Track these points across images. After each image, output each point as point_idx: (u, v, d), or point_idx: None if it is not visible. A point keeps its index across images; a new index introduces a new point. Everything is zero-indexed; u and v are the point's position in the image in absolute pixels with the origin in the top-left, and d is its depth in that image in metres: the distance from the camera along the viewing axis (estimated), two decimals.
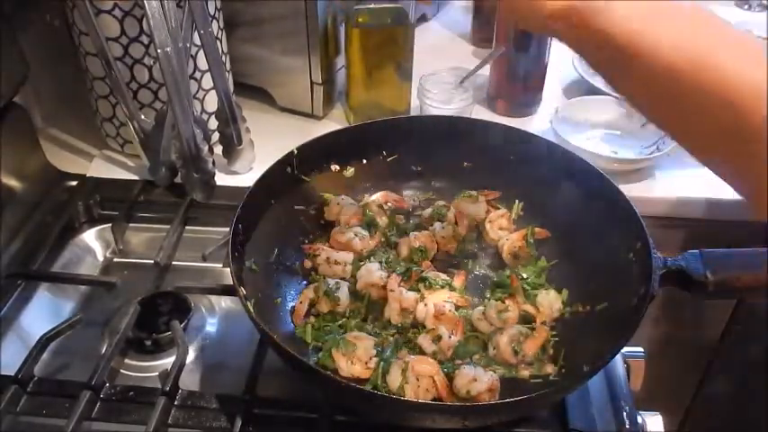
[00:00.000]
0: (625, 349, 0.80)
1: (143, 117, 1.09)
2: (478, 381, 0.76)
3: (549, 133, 1.18)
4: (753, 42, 0.52)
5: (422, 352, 0.82)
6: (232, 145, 1.14)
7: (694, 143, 0.55)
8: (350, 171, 1.02)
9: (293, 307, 0.88)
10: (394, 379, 0.77)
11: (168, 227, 1.03)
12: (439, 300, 0.86)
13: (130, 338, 0.89)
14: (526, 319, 0.86)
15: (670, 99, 0.53)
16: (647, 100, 0.57)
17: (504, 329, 0.83)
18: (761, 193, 0.49)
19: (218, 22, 1.12)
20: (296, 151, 0.95)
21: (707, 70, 0.50)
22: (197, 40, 1.04)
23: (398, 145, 1.02)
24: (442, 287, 0.89)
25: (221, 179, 1.12)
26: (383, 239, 0.97)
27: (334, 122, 1.30)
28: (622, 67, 0.54)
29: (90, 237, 1.08)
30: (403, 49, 1.19)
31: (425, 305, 0.85)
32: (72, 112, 1.29)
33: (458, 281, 0.92)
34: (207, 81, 1.13)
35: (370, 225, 0.97)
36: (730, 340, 1.36)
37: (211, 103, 1.15)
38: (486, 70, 1.29)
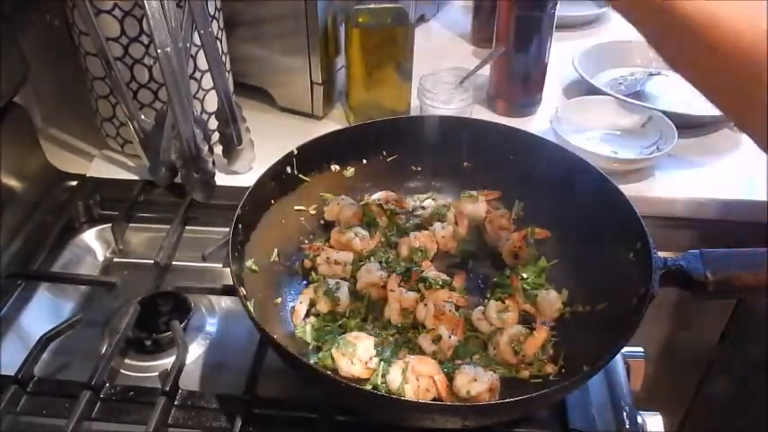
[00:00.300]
0: (625, 349, 0.80)
1: (143, 117, 1.09)
2: (478, 381, 0.76)
3: (549, 133, 1.18)
4: None
5: (422, 352, 0.82)
6: (232, 145, 1.14)
7: (748, 116, 0.54)
8: (350, 171, 1.02)
9: (293, 307, 0.88)
10: (394, 379, 0.77)
11: (168, 227, 1.03)
12: (439, 300, 0.86)
13: (130, 338, 0.89)
14: (526, 319, 0.86)
15: (728, 71, 0.53)
16: (706, 74, 0.56)
17: (504, 329, 0.83)
18: None
19: (218, 22, 1.12)
20: (296, 151, 0.95)
21: None
22: (197, 40, 1.04)
23: (398, 145, 1.03)
24: (442, 287, 0.88)
25: (221, 179, 1.12)
26: (383, 239, 0.97)
27: (334, 122, 1.30)
28: (683, 38, 0.54)
29: (90, 237, 1.09)
30: (403, 49, 1.20)
31: (425, 305, 0.85)
32: (72, 112, 1.29)
33: (458, 281, 0.92)
34: (207, 81, 1.13)
35: (370, 225, 0.98)
36: (730, 340, 1.36)
37: (211, 103, 1.15)
38: (486, 70, 1.29)
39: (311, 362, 0.79)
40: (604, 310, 0.84)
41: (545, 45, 1.25)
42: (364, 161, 1.03)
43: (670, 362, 1.39)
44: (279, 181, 0.94)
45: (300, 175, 0.97)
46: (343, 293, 0.87)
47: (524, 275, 0.91)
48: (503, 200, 1.01)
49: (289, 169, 0.95)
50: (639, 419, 0.80)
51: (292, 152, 0.95)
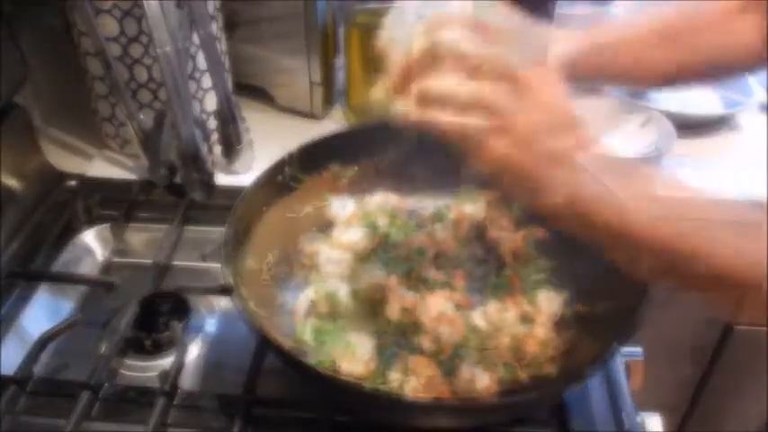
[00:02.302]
0: (625, 349, 0.80)
1: (143, 117, 1.09)
2: (478, 381, 0.76)
3: None
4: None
5: (422, 352, 0.82)
6: (232, 145, 1.14)
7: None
8: (350, 171, 1.02)
9: (293, 307, 0.88)
10: (394, 379, 0.77)
11: (168, 227, 1.03)
12: (439, 300, 0.86)
13: (130, 338, 0.89)
14: (526, 319, 0.86)
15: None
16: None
17: (504, 329, 0.83)
18: None
19: (217, 22, 1.12)
20: (295, 151, 0.95)
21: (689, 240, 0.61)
22: (197, 40, 1.04)
23: (398, 145, 1.02)
24: (442, 287, 0.88)
25: (221, 179, 1.12)
26: (383, 239, 0.97)
27: (334, 122, 1.30)
28: (620, 246, 0.63)
29: (90, 237, 1.08)
30: None
31: (425, 305, 0.85)
32: (72, 112, 1.29)
33: (458, 281, 0.91)
34: (207, 81, 1.12)
35: (370, 225, 0.97)
36: (730, 340, 1.36)
37: (211, 103, 1.15)
38: None
39: (311, 362, 0.79)
40: (604, 311, 0.83)
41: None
42: (364, 161, 1.02)
43: (670, 362, 1.38)
44: (277, 181, 0.94)
45: (300, 176, 0.97)
46: (343, 293, 0.87)
47: (524, 275, 0.91)
48: (503, 200, 1.01)
49: (288, 170, 0.95)
50: (639, 419, 0.80)
51: (292, 152, 0.95)
